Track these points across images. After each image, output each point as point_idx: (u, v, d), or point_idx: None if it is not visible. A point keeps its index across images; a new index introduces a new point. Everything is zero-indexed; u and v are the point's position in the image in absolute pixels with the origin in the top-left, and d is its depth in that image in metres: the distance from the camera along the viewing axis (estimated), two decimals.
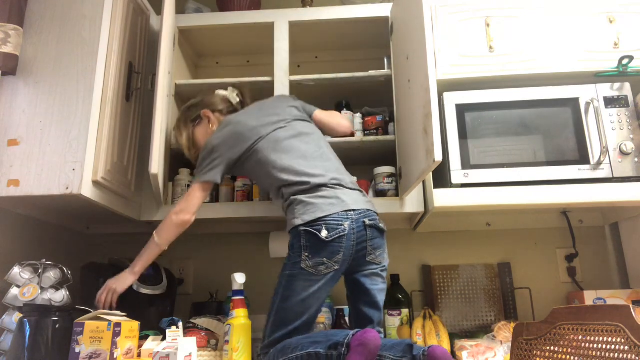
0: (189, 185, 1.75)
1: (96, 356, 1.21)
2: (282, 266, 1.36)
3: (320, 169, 1.39)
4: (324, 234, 1.27)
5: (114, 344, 1.23)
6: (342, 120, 1.70)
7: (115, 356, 1.23)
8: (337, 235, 1.28)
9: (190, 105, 1.67)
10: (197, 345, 1.42)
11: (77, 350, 1.22)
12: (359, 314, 1.40)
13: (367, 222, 1.34)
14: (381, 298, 1.40)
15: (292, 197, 1.36)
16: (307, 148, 1.44)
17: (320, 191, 1.35)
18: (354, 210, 1.33)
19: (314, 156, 1.42)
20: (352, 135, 1.80)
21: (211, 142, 1.47)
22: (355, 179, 1.51)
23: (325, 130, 1.68)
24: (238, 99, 1.70)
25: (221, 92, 1.70)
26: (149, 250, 1.47)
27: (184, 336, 1.37)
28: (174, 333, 1.31)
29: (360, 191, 1.44)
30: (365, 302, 1.38)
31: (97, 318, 1.28)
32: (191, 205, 1.43)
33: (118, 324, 1.25)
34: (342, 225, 1.29)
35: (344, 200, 1.33)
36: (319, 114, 1.65)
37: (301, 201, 1.34)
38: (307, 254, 1.28)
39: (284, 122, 1.49)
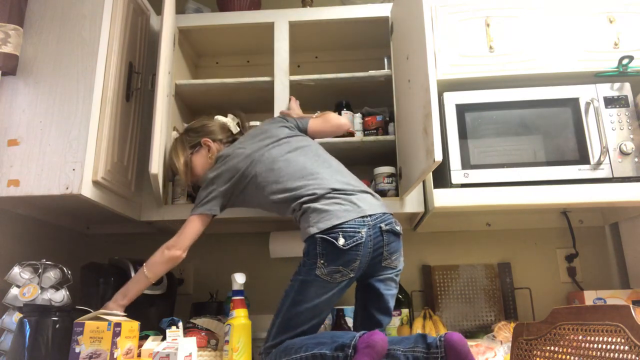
0: (189, 185, 1.75)
1: (96, 356, 1.21)
2: (295, 269, 1.33)
3: (325, 175, 1.38)
4: (340, 242, 1.25)
5: (114, 344, 1.23)
6: (338, 121, 1.67)
7: (115, 356, 1.23)
8: (354, 244, 1.25)
9: (190, 129, 1.65)
10: (197, 345, 1.42)
11: (77, 350, 1.22)
12: (369, 318, 1.38)
13: (384, 227, 1.31)
14: (393, 303, 1.38)
15: (304, 206, 1.33)
16: (306, 159, 1.43)
17: (332, 197, 1.32)
18: (370, 215, 1.30)
19: (314, 165, 1.41)
20: (352, 135, 1.80)
21: (208, 176, 1.47)
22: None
23: (325, 137, 1.67)
24: (238, 129, 1.68)
25: (221, 119, 1.68)
26: (138, 283, 1.42)
27: (184, 336, 1.37)
28: (174, 333, 1.31)
29: (372, 194, 1.41)
30: (378, 308, 1.37)
31: (97, 318, 1.28)
32: (183, 240, 1.41)
33: (118, 324, 1.25)
34: (359, 232, 1.27)
35: (360, 206, 1.31)
36: (313, 124, 1.62)
37: (315, 209, 1.30)
38: (322, 262, 1.25)
39: (277, 142, 1.48)
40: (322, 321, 1.31)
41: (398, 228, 1.37)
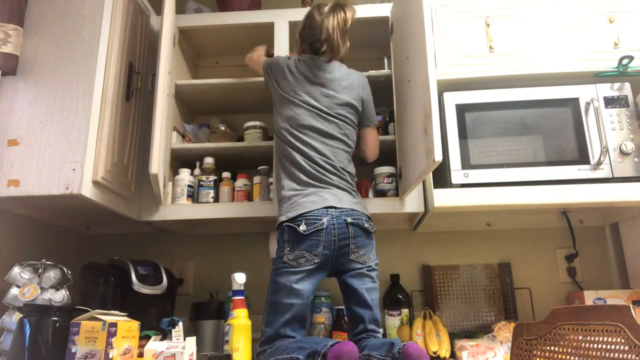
0: (189, 186, 1.75)
1: (91, 356, 1.21)
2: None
3: (317, 168, 1.41)
4: (302, 228, 1.32)
5: (108, 344, 1.23)
6: (377, 149, 1.65)
7: (110, 356, 1.22)
8: (314, 229, 1.32)
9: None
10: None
11: (73, 350, 1.22)
12: (350, 313, 1.41)
13: (349, 220, 1.36)
14: (371, 297, 1.38)
15: (281, 194, 1.42)
16: (313, 144, 1.43)
17: (307, 188, 1.39)
18: (335, 207, 1.36)
19: (317, 153, 1.42)
20: None
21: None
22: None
23: (361, 150, 1.63)
24: None
25: None
26: None
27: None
28: (178, 333, 1.33)
29: (350, 192, 1.44)
30: (355, 301, 1.38)
31: (93, 318, 1.28)
32: None
33: (113, 324, 1.25)
34: (320, 219, 1.34)
35: (326, 199, 1.37)
36: (368, 134, 1.61)
37: (289, 198, 1.39)
38: (288, 248, 1.34)
39: (310, 107, 1.47)
40: (301, 311, 1.32)
41: (367, 225, 1.40)
